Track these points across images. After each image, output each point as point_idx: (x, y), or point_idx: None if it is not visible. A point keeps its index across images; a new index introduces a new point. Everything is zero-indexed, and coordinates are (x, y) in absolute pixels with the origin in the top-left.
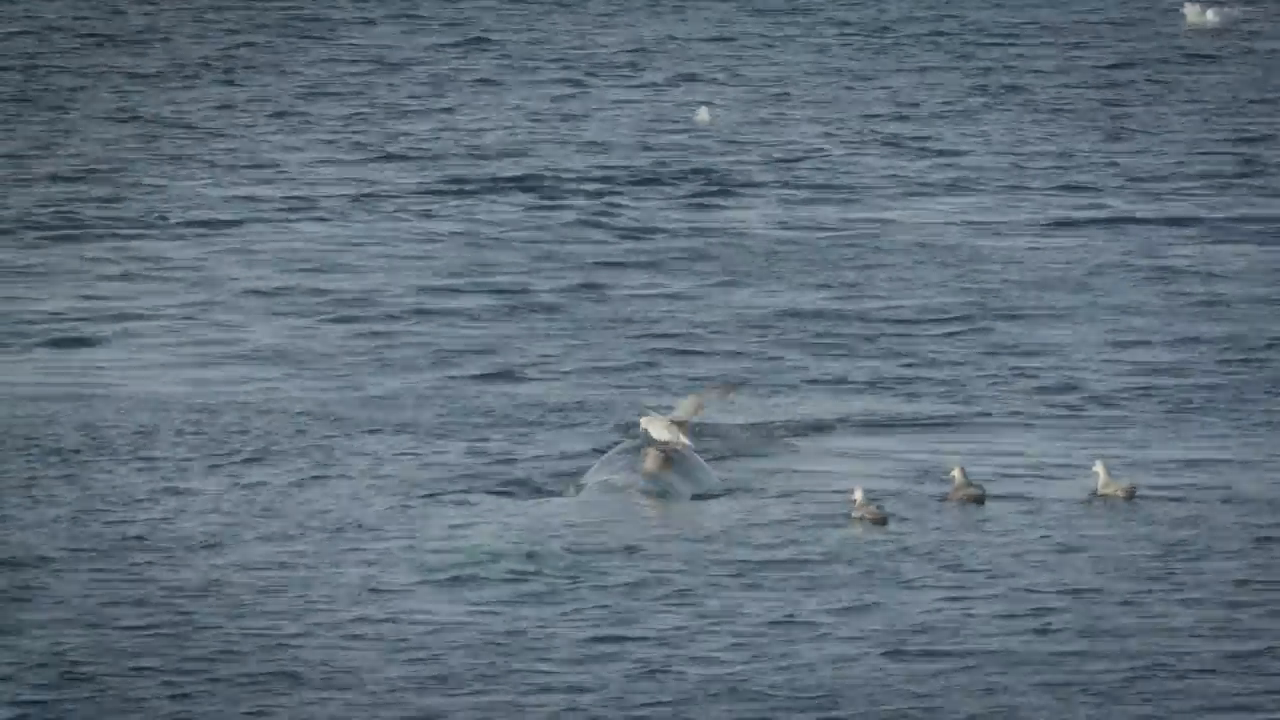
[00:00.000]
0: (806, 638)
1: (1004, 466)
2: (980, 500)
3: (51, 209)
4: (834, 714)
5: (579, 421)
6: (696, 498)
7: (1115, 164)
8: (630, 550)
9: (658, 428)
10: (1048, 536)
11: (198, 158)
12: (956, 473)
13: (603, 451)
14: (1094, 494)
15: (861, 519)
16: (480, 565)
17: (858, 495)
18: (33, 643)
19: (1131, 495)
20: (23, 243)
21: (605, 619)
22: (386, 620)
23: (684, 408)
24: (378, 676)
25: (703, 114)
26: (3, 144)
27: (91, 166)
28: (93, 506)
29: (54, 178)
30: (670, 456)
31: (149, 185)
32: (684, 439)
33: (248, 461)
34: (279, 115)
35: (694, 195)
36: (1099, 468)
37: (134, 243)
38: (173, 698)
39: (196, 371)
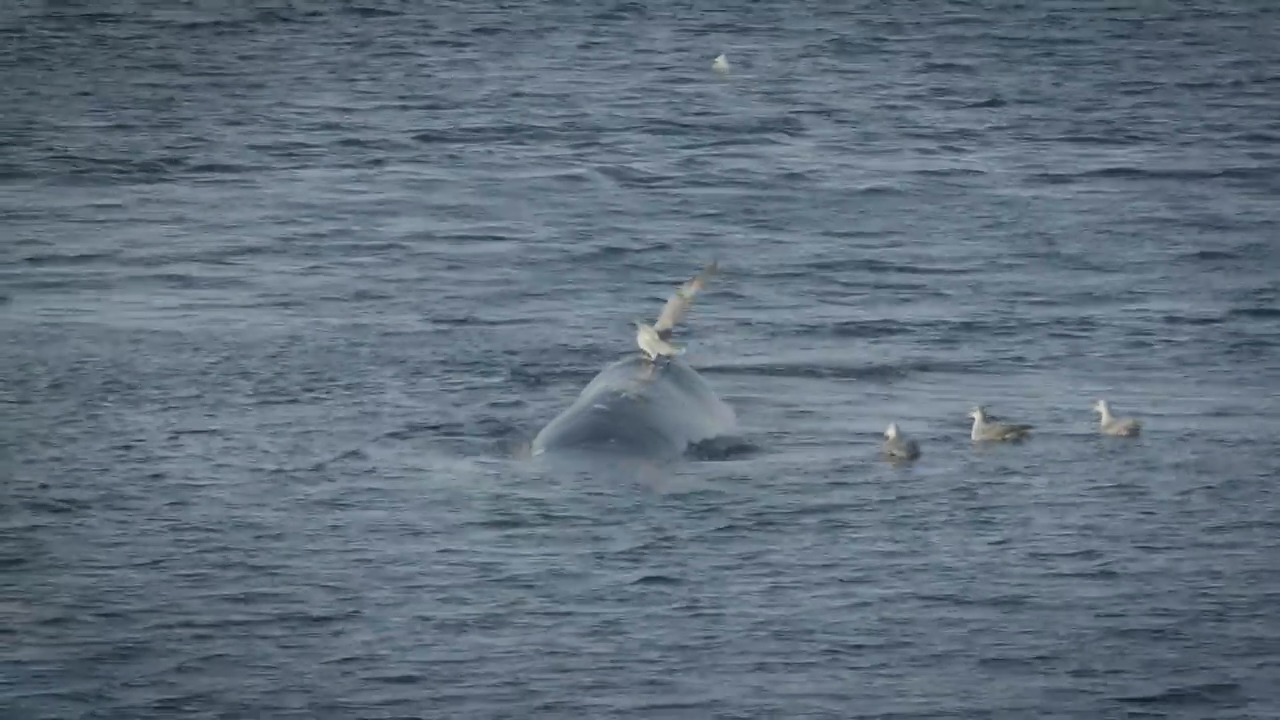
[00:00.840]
0: (842, 580)
1: (1030, 410)
2: (1016, 438)
3: (92, 153)
4: (879, 659)
5: (594, 364)
6: (697, 410)
7: (1151, 116)
8: (654, 496)
9: (644, 338)
10: (1074, 477)
11: (237, 106)
12: (976, 415)
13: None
14: (1097, 433)
15: (894, 455)
16: (493, 508)
17: (891, 433)
18: (56, 584)
19: (1136, 432)
20: (61, 185)
21: (635, 562)
22: (407, 561)
23: (667, 312)
24: (402, 615)
25: (720, 62)
26: (49, 90)
27: (132, 113)
28: (109, 447)
29: (96, 125)
30: (658, 365)
31: (187, 132)
32: (671, 349)
33: (263, 403)
34: (315, 66)
35: (714, 143)
36: (1100, 407)
37: (163, 186)
38: (195, 638)
39: (216, 313)
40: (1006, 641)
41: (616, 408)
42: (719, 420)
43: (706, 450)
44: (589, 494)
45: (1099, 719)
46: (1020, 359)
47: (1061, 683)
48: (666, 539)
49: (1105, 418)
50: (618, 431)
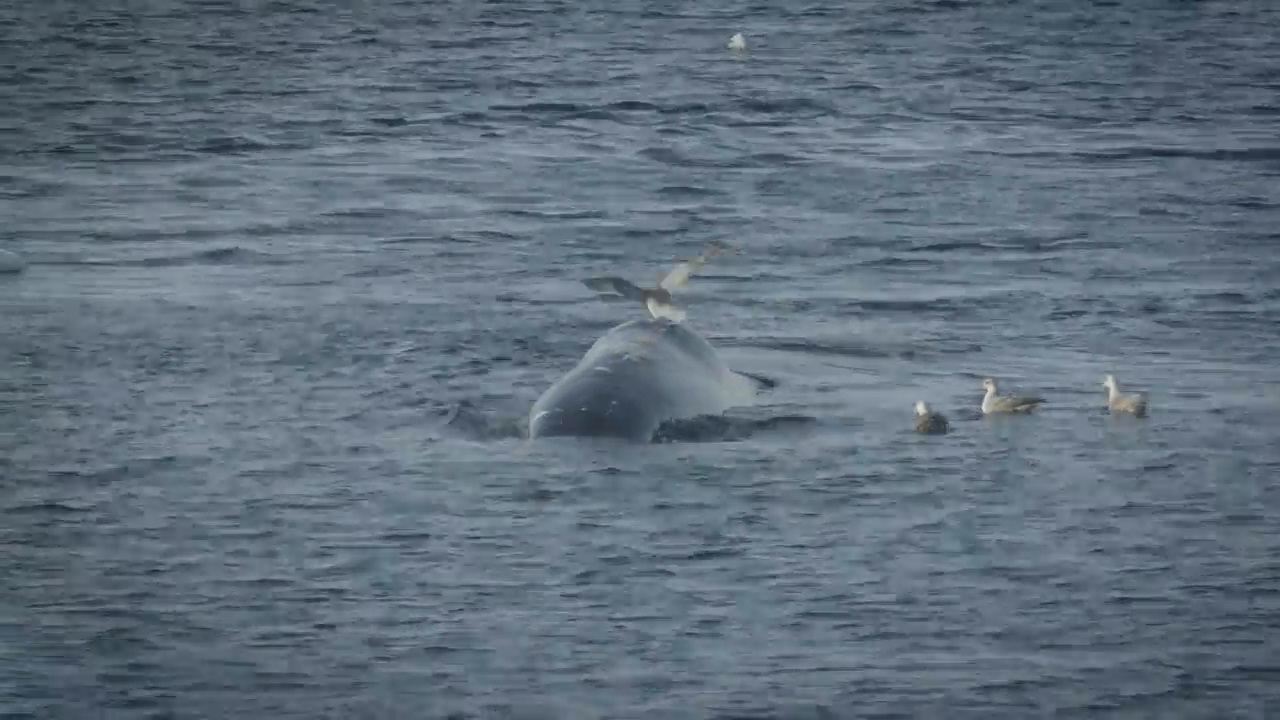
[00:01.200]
0: (861, 553)
1: (1052, 385)
2: (1027, 410)
3: (117, 130)
4: (900, 631)
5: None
6: (702, 375)
7: (1180, 96)
8: (662, 464)
9: (651, 302)
10: (1095, 451)
11: (263, 84)
12: (989, 387)
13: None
14: (1105, 409)
15: (923, 429)
16: (500, 479)
17: (921, 408)
18: (78, 555)
19: (1142, 410)
20: (85, 161)
21: (650, 533)
22: (420, 533)
23: (673, 276)
24: (419, 586)
25: (737, 40)
26: (77, 66)
27: (159, 91)
28: (127, 419)
29: (122, 101)
30: (659, 326)
31: (211, 109)
32: (672, 311)
33: (281, 377)
34: (339, 44)
35: (733, 123)
36: (1109, 383)
37: (185, 163)
38: (217, 609)
39: (237, 288)
40: (1028, 614)
41: (618, 370)
42: (727, 386)
43: (712, 416)
44: (594, 463)
45: (1120, 692)
46: (1045, 336)
47: (1083, 657)
48: (681, 508)
49: (1113, 393)
50: (619, 394)
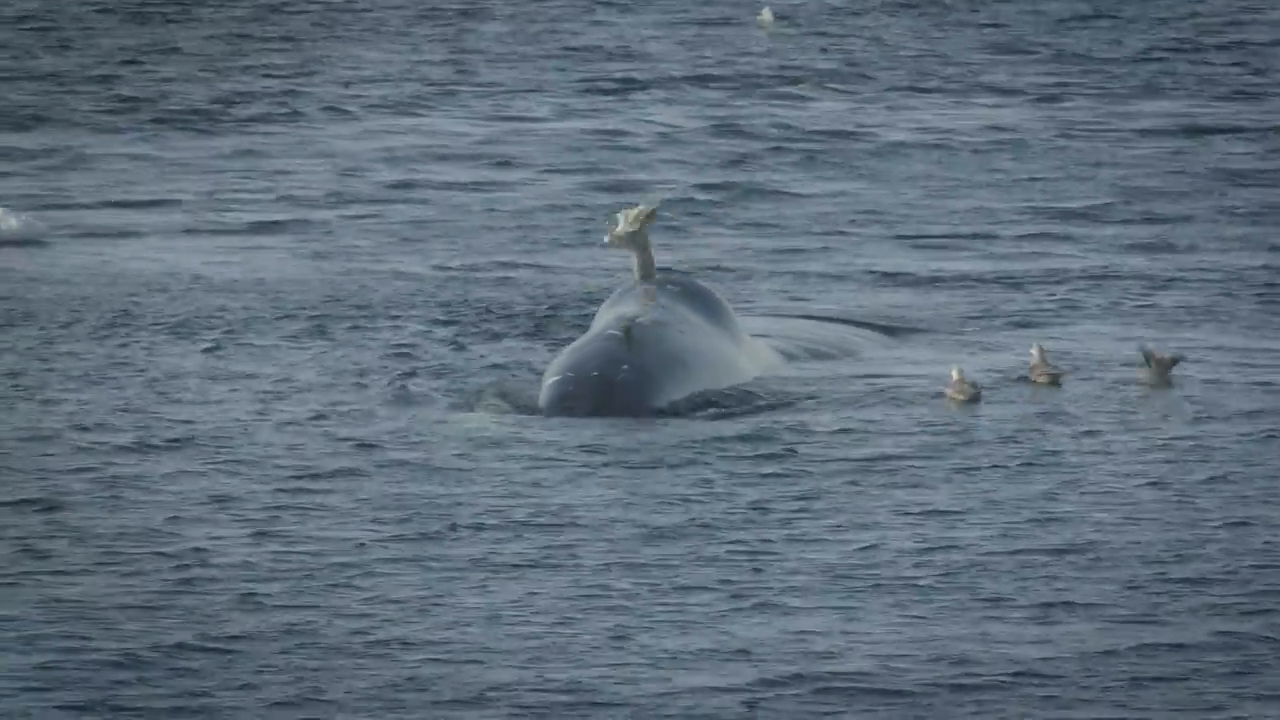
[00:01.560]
0: (894, 523)
1: (1084, 358)
2: (1057, 381)
3: (149, 102)
4: (937, 603)
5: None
6: (719, 338)
7: (1211, 72)
8: (679, 431)
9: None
10: (1130, 422)
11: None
12: (1035, 351)
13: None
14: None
15: (957, 397)
16: (516, 449)
17: (955, 374)
18: (103, 522)
19: (1056, 381)
20: (111, 133)
21: (675, 502)
22: (434, 502)
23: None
24: (444, 556)
25: (766, 14)
26: (108, 40)
27: (191, 65)
28: (153, 389)
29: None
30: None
31: (241, 83)
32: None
33: (304, 347)
34: (372, 20)
35: (760, 97)
36: (1035, 350)
37: (215, 136)
38: (241, 578)
39: (262, 259)
40: (1065, 586)
41: (629, 332)
42: (747, 350)
43: (730, 380)
44: (622, 433)
45: (1156, 664)
46: (1075, 307)
47: (1120, 629)
48: (712, 478)
49: (1035, 360)
50: (631, 358)
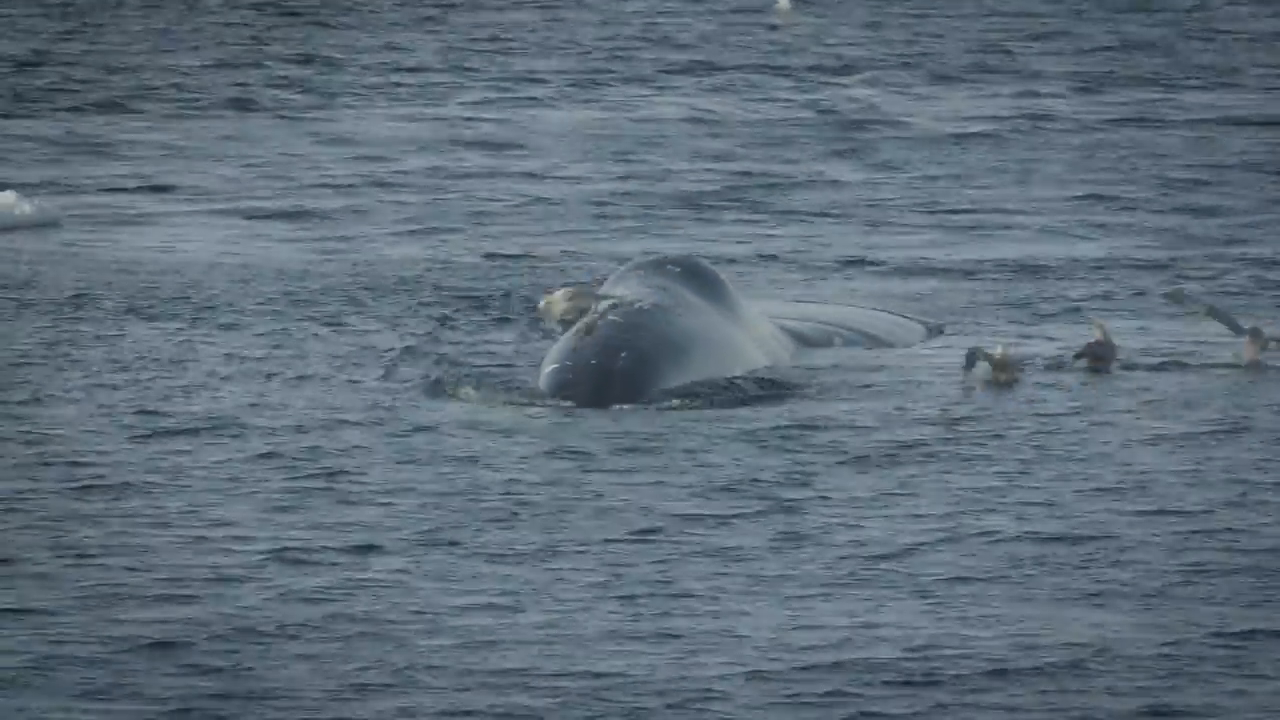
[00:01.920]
0: (920, 512)
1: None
2: (1105, 359)
3: (171, 88)
4: (964, 592)
5: None
6: (722, 322)
7: (1244, 61)
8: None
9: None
10: (1166, 410)
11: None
12: (1098, 331)
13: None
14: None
15: (998, 378)
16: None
17: (998, 352)
18: (128, 508)
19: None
20: (132, 118)
21: (685, 489)
22: (441, 490)
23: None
24: (450, 544)
25: (784, 3)
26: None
27: (212, 52)
28: (171, 373)
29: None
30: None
31: (263, 70)
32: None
33: (316, 334)
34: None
35: (775, 86)
36: (1097, 328)
37: (236, 122)
38: (256, 564)
39: (279, 245)
40: (1080, 574)
41: (629, 319)
42: (753, 335)
43: (735, 367)
44: (628, 421)
45: (1185, 654)
46: (1108, 295)
47: (1136, 618)
48: (720, 466)
49: (997, 355)
50: (629, 345)
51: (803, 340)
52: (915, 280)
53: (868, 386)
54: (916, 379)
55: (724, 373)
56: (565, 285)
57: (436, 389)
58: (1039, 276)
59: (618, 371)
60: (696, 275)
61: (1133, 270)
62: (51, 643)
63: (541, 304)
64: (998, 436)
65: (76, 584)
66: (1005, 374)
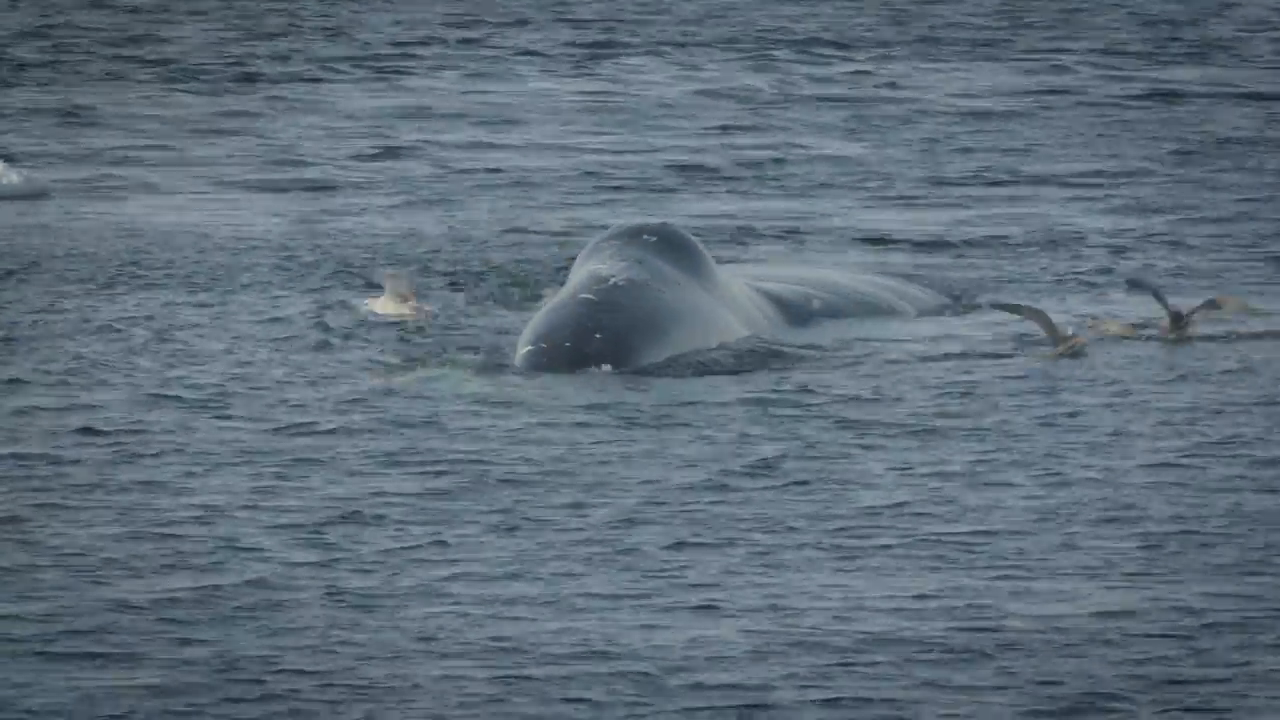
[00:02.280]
0: (934, 485)
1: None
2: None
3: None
4: (993, 566)
5: None
6: (705, 298)
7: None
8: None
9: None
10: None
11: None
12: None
13: None
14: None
15: (1062, 351)
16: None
17: (1082, 329)
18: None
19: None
20: (137, 89)
21: (685, 464)
22: (423, 463)
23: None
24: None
25: None
26: None
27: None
28: (159, 344)
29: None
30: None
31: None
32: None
33: (308, 306)
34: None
35: (784, 59)
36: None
37: (242, 95)
38: (257, 535)
39: (281, 217)
40: (1097, 548)
41: (604, 296)
42: (736, 310)
43: (717, 342)
44: (625, 392)
45: (1192, 625)
46: (1108, 270)
47: (1152, 591)
48: (724, 439)
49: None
50: (604, 325)
51: (780, 303)
52: (924, 254)
53: (859, 359)
54: (911, 352)
55: (702, 346)
56: (390, 273)
57: (427, 362)
58: (1055, 249)
59: (593, 355)
60: (673, 244)
61: (1146, 244)
62: (44, 616)
63: (364, 306)
64: (1006, 408)
65: (59, 549)
66: (1065, 346)
